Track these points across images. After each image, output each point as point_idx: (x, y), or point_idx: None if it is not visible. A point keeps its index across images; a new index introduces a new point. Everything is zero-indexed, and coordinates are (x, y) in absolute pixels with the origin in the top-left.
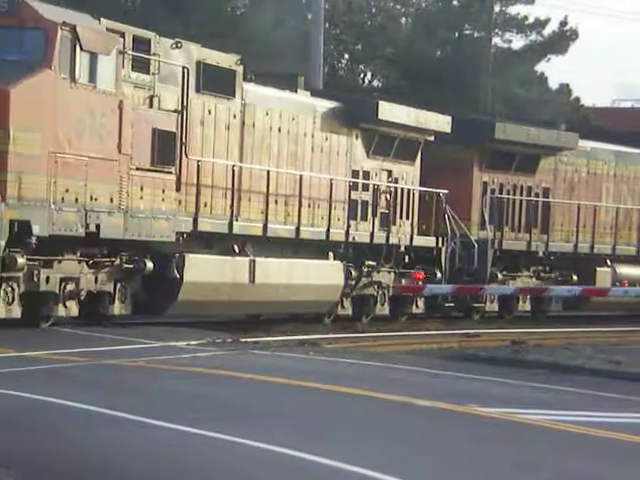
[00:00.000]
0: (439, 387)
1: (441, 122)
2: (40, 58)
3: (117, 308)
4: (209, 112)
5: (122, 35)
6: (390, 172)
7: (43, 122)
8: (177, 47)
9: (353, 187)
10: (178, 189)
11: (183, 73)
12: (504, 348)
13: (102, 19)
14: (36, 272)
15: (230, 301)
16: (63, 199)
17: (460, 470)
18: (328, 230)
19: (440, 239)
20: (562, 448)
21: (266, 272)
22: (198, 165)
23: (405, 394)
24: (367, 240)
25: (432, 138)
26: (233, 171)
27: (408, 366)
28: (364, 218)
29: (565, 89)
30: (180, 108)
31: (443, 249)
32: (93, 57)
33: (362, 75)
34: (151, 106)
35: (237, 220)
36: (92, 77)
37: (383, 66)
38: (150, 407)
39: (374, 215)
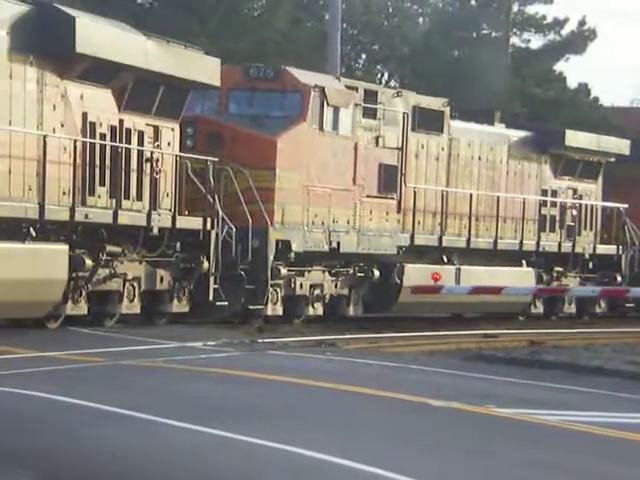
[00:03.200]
0: (456, 388)
1: (621, 145)
2: (297, 114)
3: (352, 309)
4: (422, 147)
5: (356, 89)
6: (575, 190)
7: (299, 163)
8: (398, 96)
9: (542, 204)
10: (398, 211)
11: (403, 117)
12: (522, 349)
13: (341, 78)
14: (293, 280)
15: (439, 302)
16: (313, 222)
17: (476, 471)
18: (521, 242)
19: (620, 247)
20: (579, 449)
21: (469, 278)
22: (414, 191)
23: (421, 395)
24: (555, 249)
25: (612, 159)
26: (442, 195)
27: (425, 367)
28: (552, 230)
29: (584, 89)
30: (400, 145)
31: (623, 256)
32: (336, 110)
33: (379, 75)
34: (377, 145)
35: (445, 235)
36: (335, 126)
37: (400, 66)
38: (166, 407)
39: (561, 227)
